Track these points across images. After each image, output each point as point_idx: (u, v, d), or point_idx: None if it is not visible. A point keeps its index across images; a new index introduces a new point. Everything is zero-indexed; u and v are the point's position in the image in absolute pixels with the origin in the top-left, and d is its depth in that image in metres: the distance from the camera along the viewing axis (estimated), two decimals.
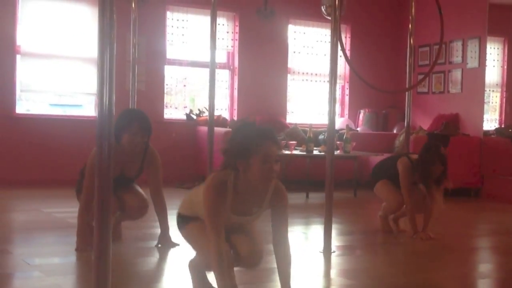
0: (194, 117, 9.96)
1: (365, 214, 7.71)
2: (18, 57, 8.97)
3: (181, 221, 3.56)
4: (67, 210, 6.74)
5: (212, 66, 6.60)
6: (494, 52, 10.17)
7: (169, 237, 5.05)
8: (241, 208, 3.29)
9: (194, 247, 3.53)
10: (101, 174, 2.69)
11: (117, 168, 4.77)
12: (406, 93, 7.14)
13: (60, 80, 9.26)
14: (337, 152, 8.27)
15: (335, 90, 5.15)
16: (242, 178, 3.15)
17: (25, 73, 9.07)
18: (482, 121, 9.79)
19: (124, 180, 5.02)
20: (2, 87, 8.79)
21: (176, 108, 10.21)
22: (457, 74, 10.21)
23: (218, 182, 3.17)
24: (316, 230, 6.21)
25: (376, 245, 5.74)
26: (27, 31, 9.04)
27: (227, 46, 10.32)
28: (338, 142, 8.52)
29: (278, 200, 3.28)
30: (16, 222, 6.47)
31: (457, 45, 10.21)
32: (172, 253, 4.94)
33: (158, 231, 5.10)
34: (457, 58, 10.24)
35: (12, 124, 8.75)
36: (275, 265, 3.36)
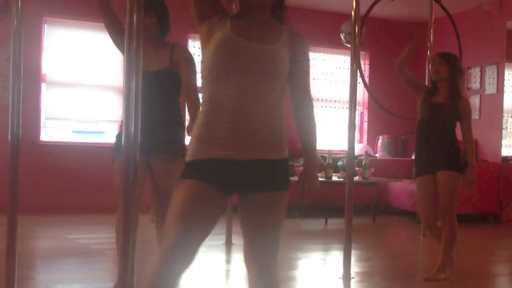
0: None
1: (384, 240, 7.75)
2: (43, 85, 9.15)
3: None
4: (90, 236, 6.85)
5: None
6: None
7: None
8: (250, 32, 2.61)
9: None
10: (126, 201, 2.80)
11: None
12: None
13: (83, 108, 9.41)
14: (356, 178, 8.33)
15: (354, 117, 5.21)
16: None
17: (49, 101, 9.24)
18: (500, 147, 9.80)
19: (150, 82, 4.02)
20: (28, 115, 8.92)
21: None
22: (475, 100, 10.25)
23: None
24: (335, 256, 6.26)
25: (395, 272, 5.78)
26: (52, 60, 9.23)
27: None
28: (357, 168, 8.59)
29: (297, 40, 2.72)
30: (40, 248, 6.58)
31: (475, 71, 10.26)
32: (198, 280, 5.01)
33: None
34: (475, 84, 10.29)
35: (36, 151, 8.88)
36: None
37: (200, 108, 2.62)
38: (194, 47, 9.97)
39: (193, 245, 2.45)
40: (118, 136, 4.47)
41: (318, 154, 3.07)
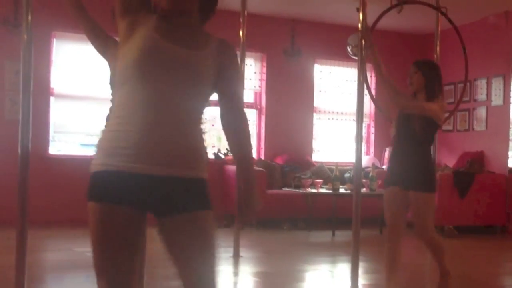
0: (222, 156, 10.09)
1: None
2: (52, 99, 9.21)
3: None
4: None
5: None
6: None
7: None
8: (175, 35, 2.41)
9: None
10: None
11: None
12: None
13: (92, 121, 9.46)
14: (363, 190, 8.33)
15: (361, 129, 5.20)
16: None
17: (58, 114, 9.30)
18: (507, 158, 9.80)
19: None
20: (37, 128, 8.96)
21: None
22: (481, 112, 10.27)
23: None
24: (343, 268, 6.27)
25: (403, 284, 5.78)
26: (61, 74, 9.30)
27: (255, 86, 10.49)
28: (363, 180, 8.60)
29: (225, 48, 2.50)
30: (49, 261, 6.61)
31: (482, 83, 10.28)
32: None
33: None
34: (481, 95, 10.30)
35: (45, 164, 8.91)
36: None
37: (109, 113, 2.40)
38: None
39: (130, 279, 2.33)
40: None
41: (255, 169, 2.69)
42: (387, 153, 11.19)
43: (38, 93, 8.74)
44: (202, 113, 2.43)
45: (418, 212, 4.94)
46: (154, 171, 2.28)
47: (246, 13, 6.54)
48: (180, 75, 2.34)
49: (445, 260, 5.19)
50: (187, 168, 2.33)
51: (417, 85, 5.08)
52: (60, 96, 9.30)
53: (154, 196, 2.30)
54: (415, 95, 5.11)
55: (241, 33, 6.55)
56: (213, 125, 10.40)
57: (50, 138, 9.34)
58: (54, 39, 9.29)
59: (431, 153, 5.19)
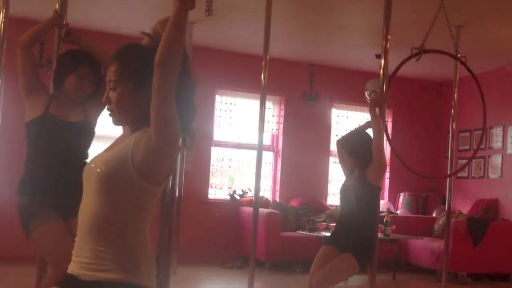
0: (238, 197, 10.13)
1: None
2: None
3: None
4: None
5: (260, 149, 6.68)
6: None
7: None
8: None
9: None
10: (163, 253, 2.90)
11: (55, 114, 4.11)
12: (447, 178, 7.23)
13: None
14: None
15: None
16: None
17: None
18: None
19: (71, 132, 4.16)
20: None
21: (220, 188, 10.43)
22: (497, 160, 10.31)
23: None
24: None
25: None
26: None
27: (272, 129, 10.60)
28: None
29: None
30: None
31: (497, 131, 10.33)
32: None
33: None
34: (497, 143, 10.35)
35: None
36: None
37: None
38: (221, 102, 10.15)
39: None
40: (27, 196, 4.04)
41: None
42: (401, 198, 11.23)
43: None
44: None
45: (330, 265, 5.17)
46: None
47: (268, 58, 6.58)
48: None
49: None
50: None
51: (350, 166, 5.49)
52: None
53: None
54: (353, 171, 5.44)
55: (262, 76, 6.57)
56: (230, 167, 10.49)
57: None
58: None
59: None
